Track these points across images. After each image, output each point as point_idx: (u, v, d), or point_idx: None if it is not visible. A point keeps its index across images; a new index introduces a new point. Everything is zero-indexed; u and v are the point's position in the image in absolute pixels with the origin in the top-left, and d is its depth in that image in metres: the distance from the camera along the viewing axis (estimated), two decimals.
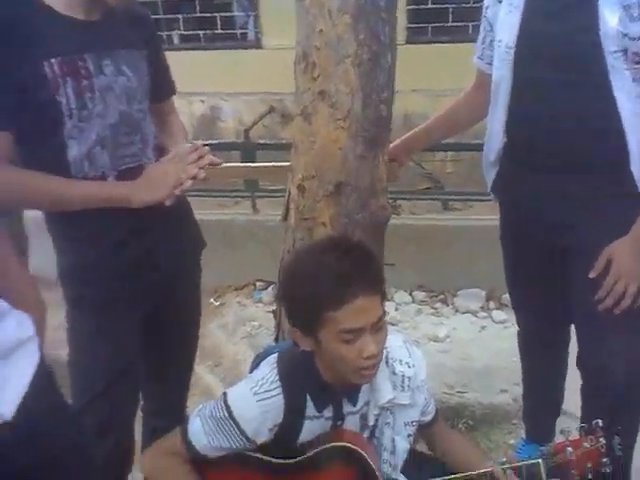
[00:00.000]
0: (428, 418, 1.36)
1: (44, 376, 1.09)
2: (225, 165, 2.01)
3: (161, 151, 1.43)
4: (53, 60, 1.21)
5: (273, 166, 2.05)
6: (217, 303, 3.07)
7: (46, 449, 1.06)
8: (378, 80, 1.44)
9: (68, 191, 1.27)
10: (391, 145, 1.63)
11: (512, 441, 2.10)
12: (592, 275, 1.42)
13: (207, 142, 2.29)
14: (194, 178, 1.30)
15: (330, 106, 1.43)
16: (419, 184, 3.68)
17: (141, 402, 1.68)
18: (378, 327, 1.15)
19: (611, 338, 1.45)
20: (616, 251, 1.40)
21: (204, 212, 3.18)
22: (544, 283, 1.66)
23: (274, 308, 1.86)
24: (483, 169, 1.70)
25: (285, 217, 1.62)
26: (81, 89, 1.25)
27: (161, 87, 1.49)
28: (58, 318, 1.42)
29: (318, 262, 1.15)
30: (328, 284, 1.11)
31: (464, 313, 2.97)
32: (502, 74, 1.49)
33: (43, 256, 1.57)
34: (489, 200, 1.79)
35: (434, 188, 3.65)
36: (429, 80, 4.87)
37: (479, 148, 1.71)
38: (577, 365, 1.59)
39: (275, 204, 3.07)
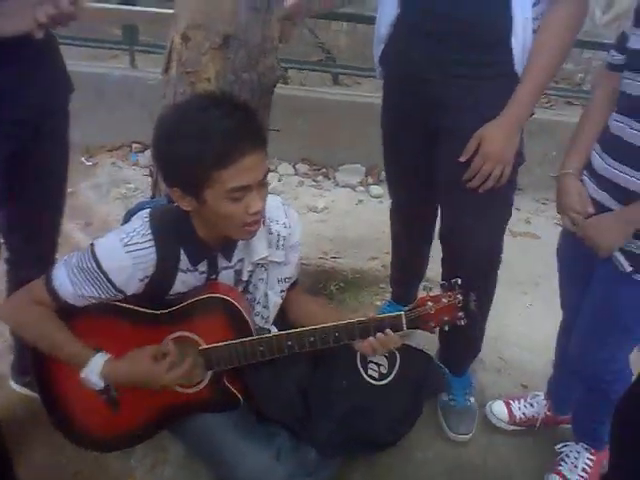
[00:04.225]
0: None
1: None
2: (98, 5, 1.80)
3: None
4: None
5: (154, 12, 1.87)
6: (89, 163, 2.89)
7: None
8: None
9: None
10: (287, 1, 1.53)
11: (378, 302, 2.27)
12: (462, 159, 1.46)
13: None
14: (63, 15, 1.15)
15: None
16: (311, 55, 3.57)
17: (6, 254, 1.60)
18: (263, 183, 1.15)
19: (469, 215, 1.54)
20: (486, 134, 1.43)
21: (75, 63, 2.91)
22: (416, 162, 1.69)
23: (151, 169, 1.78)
24: (373, 43, 1.65)
25: (166, 70, 1.50)
26: None
27: None
28: None
29: (203, 120, 1.09)
30: (215, 142, 1.07)
31: (343, 187, 3.05)
32: None
33: None
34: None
35: (325, 60, 3.58)
36: None
37: (374, 21, 1.66)
38: (439, 239, 1.70)
39: (156, 61, 2.86)
